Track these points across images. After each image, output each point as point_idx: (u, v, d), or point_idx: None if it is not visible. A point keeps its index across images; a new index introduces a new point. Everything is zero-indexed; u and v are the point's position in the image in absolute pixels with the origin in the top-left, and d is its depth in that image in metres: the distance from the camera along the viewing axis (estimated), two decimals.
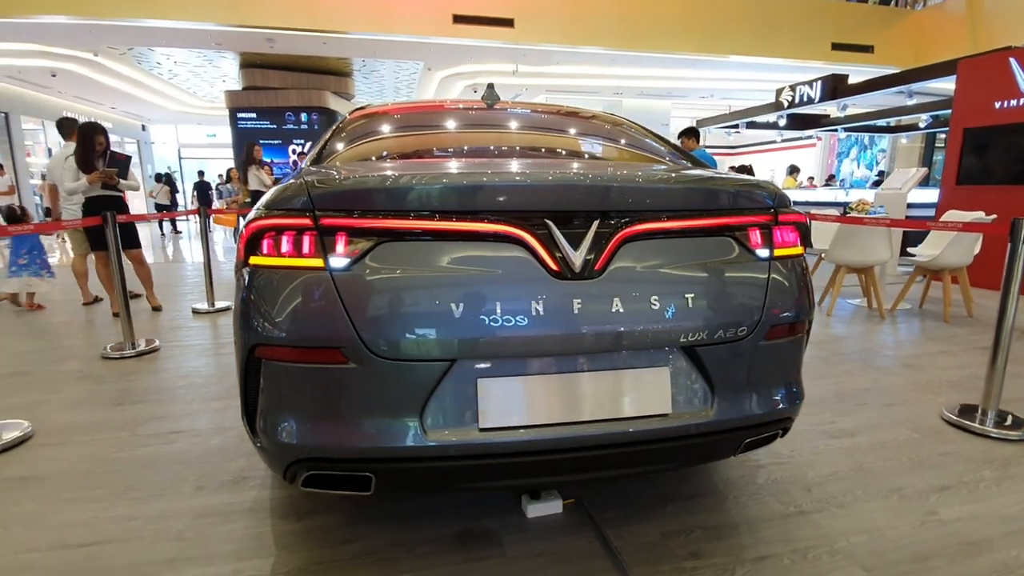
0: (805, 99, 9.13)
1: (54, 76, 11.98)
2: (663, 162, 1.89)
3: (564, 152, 1.99)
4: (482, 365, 1.26)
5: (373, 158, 1.80)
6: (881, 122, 11.87)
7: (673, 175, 1.43)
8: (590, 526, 1.67)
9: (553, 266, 1.25)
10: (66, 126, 4.66)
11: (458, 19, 10.11)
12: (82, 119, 4.62)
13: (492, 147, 1.93)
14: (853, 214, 5.05)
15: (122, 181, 4.36)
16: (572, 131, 2.20)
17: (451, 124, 2.14)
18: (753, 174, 7.99)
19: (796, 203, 3.19)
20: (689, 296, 1.32)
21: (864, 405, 2.64)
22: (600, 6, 10.48)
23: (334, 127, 2.05)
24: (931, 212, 6.51)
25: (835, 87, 8.43)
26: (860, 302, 5.04)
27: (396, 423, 1.23)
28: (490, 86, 2.43)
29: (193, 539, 1.63)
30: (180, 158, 22.84)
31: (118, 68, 12.21)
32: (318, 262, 1.22)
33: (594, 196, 1.30)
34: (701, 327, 1.32)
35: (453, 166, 1.44)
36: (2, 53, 9.82)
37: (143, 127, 20.18)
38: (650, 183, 1.37)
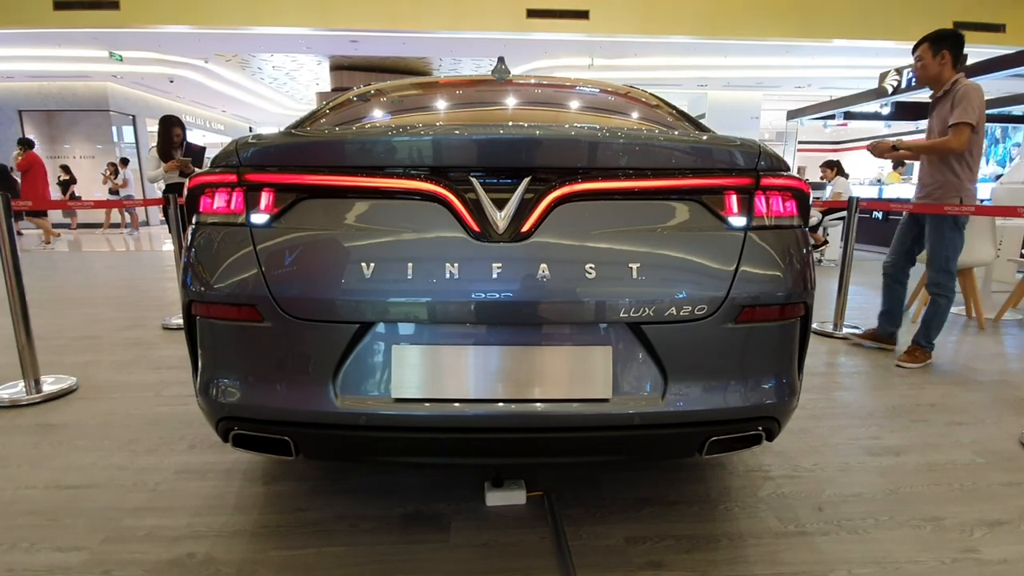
0: (914, 83, 8.10)
1: (172, 82, 13.45)
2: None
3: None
4: (398, 331, 1.19)
5: (345, 123, 1.78)
6: (1018, 111, 10.28)
7: (625, 130, 1.27)
8: (550, 521, 1.54)
9: (474, 227, 1.16)
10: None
11: (532, 13, 10.07)
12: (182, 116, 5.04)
13: (470, 121, 1.85)
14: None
15: (196, 170, 4.75)
16: (572, 104, 2.07)
17: (444, 97, 2.08)
18: (843, 172, 7.22)
19: (898, 200, 2.88)
20: (633, 266, 1.17)
21: (923, 422, 2.25)
22: None
23: (332, 99, 2.08)
24: None
25: None
26: (958, 310, 4.38)
27: (309, 387, 1.20)
28: (500, 60, 2.35)
29: (165, 492, 1.71)
30: None
31: (225, 74, 13.47)
32: (240, 218, 1.22)
33: (523, 151, 1.19)
34: (647, 303, 1.16)
35: (387, 124, 1.38)
36: (128, 60, 11.16)
37: (250, 129, 22.15)
38: (593, 138, 1.23)
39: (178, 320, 3.85)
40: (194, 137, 10.92)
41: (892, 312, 3.24)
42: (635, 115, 1.99)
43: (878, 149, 2.95)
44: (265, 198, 1.21)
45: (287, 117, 20.55)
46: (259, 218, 1.21)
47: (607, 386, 1.19)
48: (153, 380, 2.72)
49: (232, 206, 1.22)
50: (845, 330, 3.62)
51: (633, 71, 12.87)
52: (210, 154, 5.34)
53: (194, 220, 1.29)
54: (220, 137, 19.55)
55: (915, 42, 2.83)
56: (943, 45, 2.72)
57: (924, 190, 2.94)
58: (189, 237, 1.30)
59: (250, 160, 1.23)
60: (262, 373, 1.23)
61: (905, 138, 2.93)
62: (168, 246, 9.87)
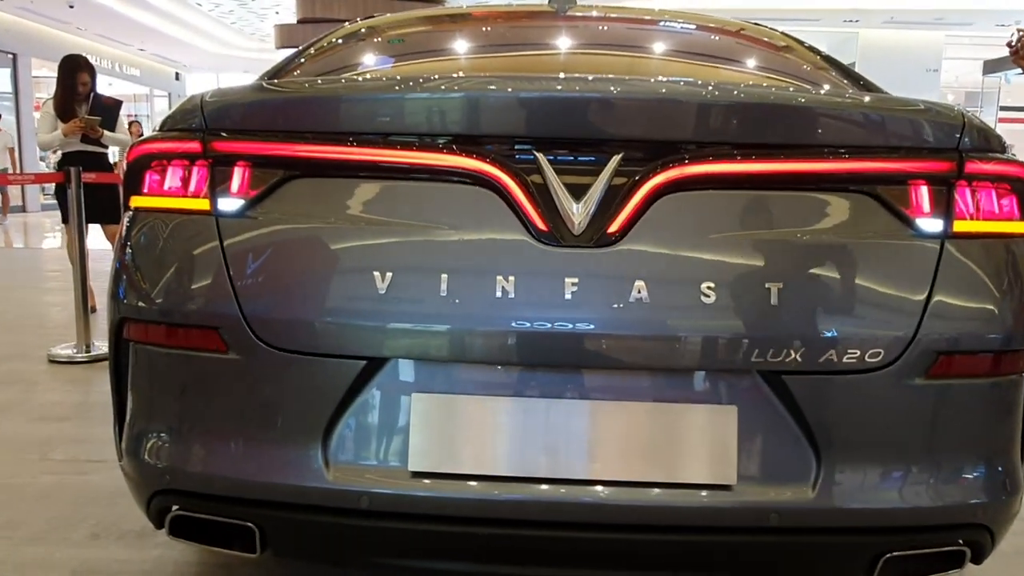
0: None
1: (72, 7, 14.15)
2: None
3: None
4: (420, 372, 1.23)
5: (345, 73, 1.87)
6: None
7: (759, 88, 1.32)
8: None
9: (539, 224, 1.20)
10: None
11: None
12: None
13: (530, 72, 1.93)
14: None
15: (107, 133, 4.97)
16: (668, 48, 2.14)
17: (484, 38, 2.17)
18: None
19: None
20: (772, 288, 1.19)
21: None
22: None
23: (323, 36, 2.19)
24: None
25: None
26: None
27: (288, 450, 1.24)
28: None
29: None
30: None
31: None
32: (203, 203, 1.29)
33: (613, 116, 1.23)
34: (792, 343, 1.18)
35: (411, 74, 1.46)
36: None
37: (177, 76, 23.04)
38: (714, 98, 1.27)
39: (68, 349, 4.03)
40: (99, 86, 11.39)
41: None
42: (760, 64, 2.03)
43: None
44: (239, 176, 1.27)
45: (230, 60, 21.34)
46: (229, 204, 1.27)
47: (729, 466, 1.20)
48: (37, 436, 2.83)
49: (192, 186, 1.29)
50: None
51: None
52: (127, 111, 5.58)
53: (133, 205, 1.37)
54: (135, 86, 20.40)
55: None
56: None
57: None
58: (125, 229, 1.37)
59: (220, 122, 1.30)
60: (221, 428, 1.28)
61: None
62: (50, 242, 10.26)
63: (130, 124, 9.35)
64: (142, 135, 8.91)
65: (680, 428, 1.22)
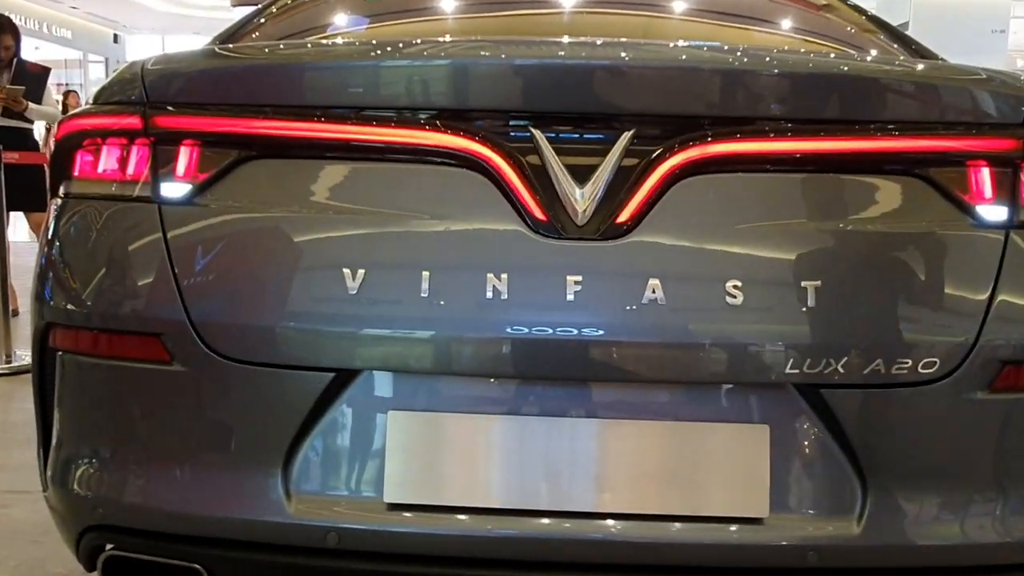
0: None
1: None
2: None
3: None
4: (397, 386, 1.23)
5: (311, 36, 1.88)
6: None
7: (791, 53, 1.32)
8: None
9: (536, 212, 1.19)
10: None
11: None
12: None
13: (527, 35, 1.94)
14: None
15: (33, 106, 4.95)
16: (687, 5, 2.15)
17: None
18: None
19: None
20: (809, 287, 1.18)
21: None
22: None
23: None
24: None
25: None
26: None
27: (241, 477, 1.24)
28: None
29: None
30: None
31: None
32: (143, 189, 1.28)
33: (622, 87, 1.24)
34: (832, 352, 1.18)
35: (385, 39, 1.46)
36: None
37: (116, 38, 22.96)
38: (740, 66, 1.27)
39: None
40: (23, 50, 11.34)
41: None
42: (796, 26, 2.03)
43: None
44: (186, 157, 1.27)
45: (179, 20, 21.28)
46: (174, 189, 1.26)
47: (760, 496, 1.20)
48: None
49: (130, 169, 1.28)
50: None
51: None
52: (56, 80, 5.56)
53: (63, 191, 1.36)
54: (66, 50, 20.32)
55: None
56: None
57: None
58: (52, 218, 1.37)
59: (164, 93, 1.30)
60: (163, 453, 1.28)
61: None
62: None
63: (66, 94, 9.38)
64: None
65: (703, 451, 1.22)
